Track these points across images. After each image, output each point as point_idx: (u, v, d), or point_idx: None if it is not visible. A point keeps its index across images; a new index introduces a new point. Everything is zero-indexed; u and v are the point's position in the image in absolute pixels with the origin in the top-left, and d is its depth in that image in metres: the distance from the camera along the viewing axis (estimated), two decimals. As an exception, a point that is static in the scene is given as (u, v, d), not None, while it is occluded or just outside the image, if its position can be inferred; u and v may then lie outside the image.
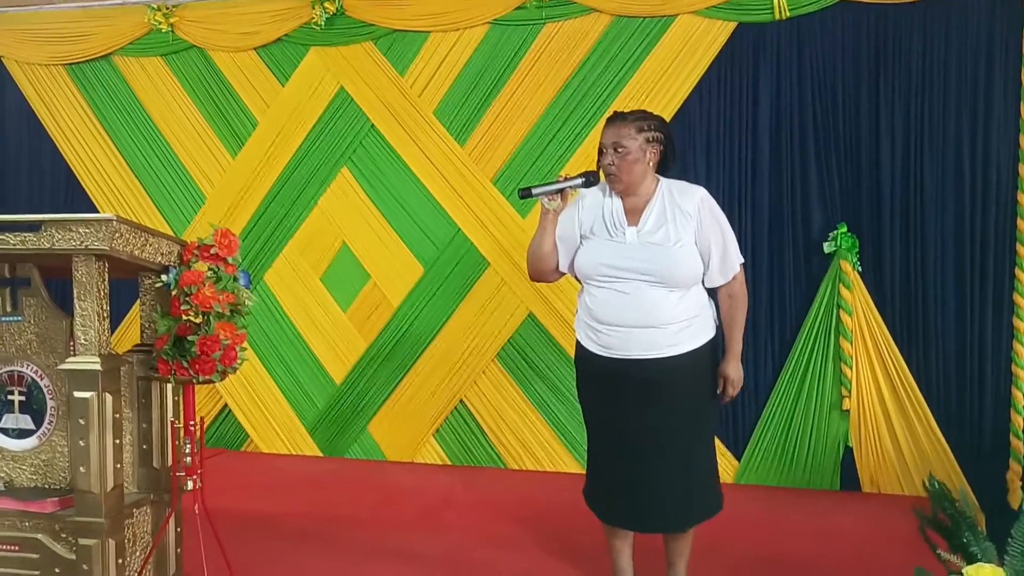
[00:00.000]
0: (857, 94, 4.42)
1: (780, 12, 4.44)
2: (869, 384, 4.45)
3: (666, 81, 4.65)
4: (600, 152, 2.94)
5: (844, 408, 4.47)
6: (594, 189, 3.01)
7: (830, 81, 4.46)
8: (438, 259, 5.09)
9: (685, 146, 4.61)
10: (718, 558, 3.53)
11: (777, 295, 4.61)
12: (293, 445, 5.34)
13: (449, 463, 5.11)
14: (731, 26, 4.56)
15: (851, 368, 4.44)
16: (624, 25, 4.72)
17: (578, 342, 3.06)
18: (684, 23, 4.62)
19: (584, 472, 3.22)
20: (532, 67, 4.87)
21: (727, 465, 4.65)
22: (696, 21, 4.60)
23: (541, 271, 3.10)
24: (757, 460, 4.64)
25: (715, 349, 3.01)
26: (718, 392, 2.98)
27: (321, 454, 5.30)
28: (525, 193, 2.99)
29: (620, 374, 2.89)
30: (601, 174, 2.95)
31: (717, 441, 4.59)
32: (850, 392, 4.46)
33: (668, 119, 4.46)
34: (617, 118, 2.94)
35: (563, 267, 3.09)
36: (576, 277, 3.07)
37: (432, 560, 3.58)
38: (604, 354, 2.93)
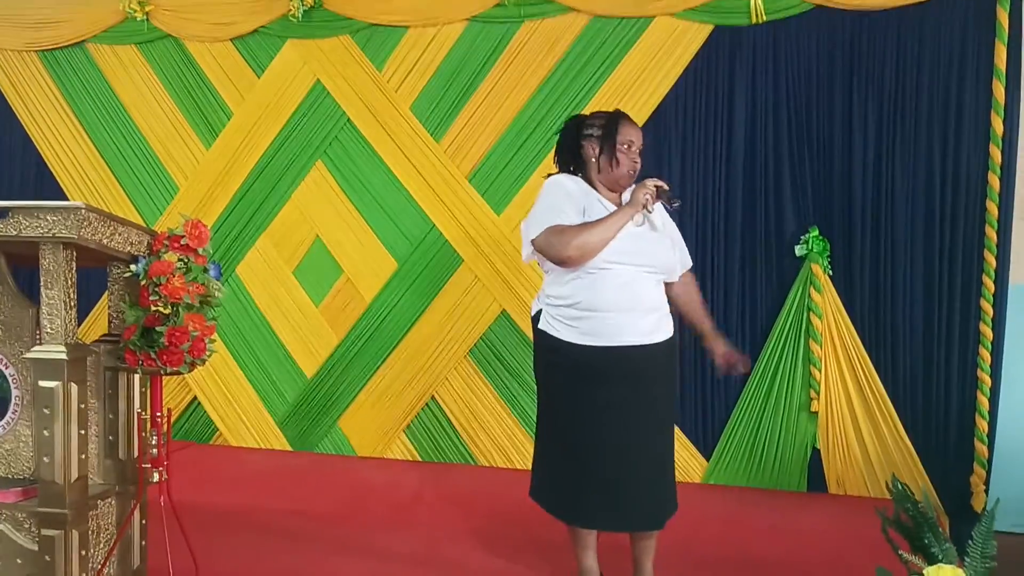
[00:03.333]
0: (831, 98, 4.46)
1: (757, 16, 4.46)
2: (837, 386, 4.49)
3: (643, 82, 4.67)
4: (614, 145, 2.92)
5: (812, 410, 4.51)
6: (567, 177, 3.02)
7: (805, 85, 4.49)
8: (412, 255, 5.08)
9: (660, 147, 4.63)
10: (685, 557, 3.54)
11: (748, 297, 4.64)
12: (263, 439, 5.32)
13: (419, 459, 5.10)
14: (708, 28, 4.58)
15: (820, 370, 4.48)
16: (602, 25, 4.73)
17: (546, 334, 2.99)
18: (661, 25, 4.64)
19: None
20: (509, 65, 4.87)
21: (695, 464, 4.68)
22: (673, 23, 4.62)
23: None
24: (726, 460, 4.66)
25: (676, 344, 3.08)
26: (733, 364, 3.09)
27: (291, 448, 5.28)
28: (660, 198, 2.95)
29: (611, 362, 2.87)
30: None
31: (686, 440, 4.66)
32: (818, 394, 4.49)
33: (644, 120, 4.53)
34: (629, 118, 2.99)
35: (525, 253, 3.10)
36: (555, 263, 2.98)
37: (401, 557, 3.58)
38: (588, 343, 2.88)
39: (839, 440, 4.50)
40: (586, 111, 4.62)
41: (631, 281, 2.87)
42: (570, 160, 3.06)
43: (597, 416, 2.91)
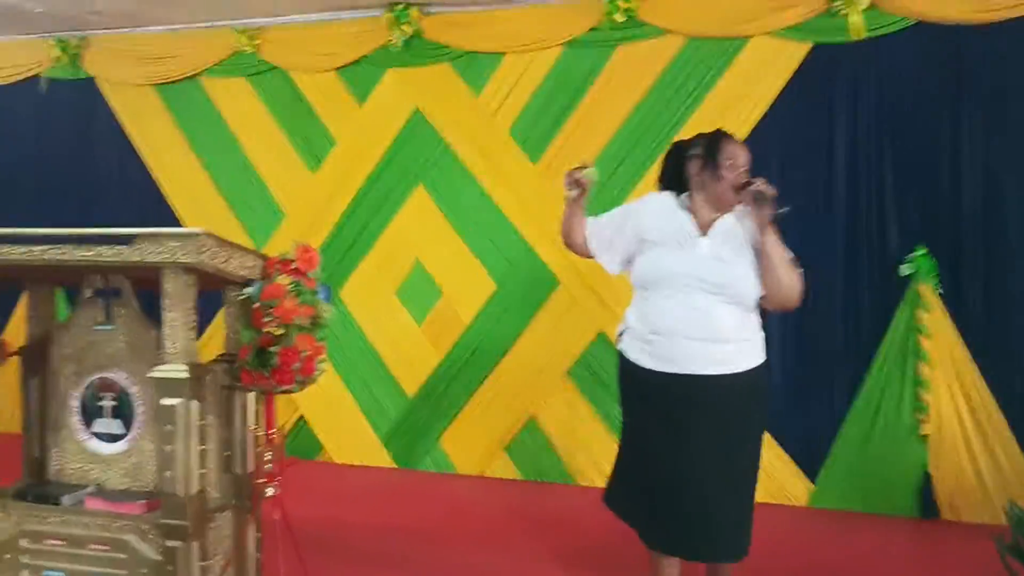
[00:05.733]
0: (935, 114, 4.37)
1: (857, 33, 4.40)
2: (949, 408, 4.36)
3: (740, 103, 4.65)
4: (717, 161, 2.87)
5: (922, 433, 4.39)
6: (662, 196, 3.01)
7: (907, 102, 4.41)
8: (510, 276, 5.15)
9: (758, 169, 4.56)
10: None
11: (853, 318, 4.56)
12: (367, 456, 5.44)
13: (520, 478, 5.14)
14: (806, 47, 4.54)
15: (929, 392, 4.35)
16: (697, 47, 4.74)
17: (624, 357, 2.99)
18: (758, 45, 4.62)
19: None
20: (605, 88, 4.92)
21: (800, 487, 4.60)
22: (770, 42, 4.60)
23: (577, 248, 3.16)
24: (832, 483, 4.57)
25: (766, 375, 2.97)
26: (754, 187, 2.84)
27: (394, 465, 5.38)
28: (751, 187, 2.83)
29: (677, 391, 2.83)
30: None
31: (791, 462, 4.58)
32: (928, 416, 4.37)
33: (741, 141, 4.48)
34: (732, 136, 2.95)
35: (612, 267, 3.07)
36: (634, 283, 3.00)
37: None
38: (659, 368, 2.86)
39: (952, 464, 4.36)
40: (682, 133, 4.66)
41: (702, 306, 2.81)
42: (673, 180, 3.03)
43: (658, 441, 2.88)
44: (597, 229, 3.07)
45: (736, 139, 2.97)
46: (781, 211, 2.84)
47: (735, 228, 2.92)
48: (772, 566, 3.63)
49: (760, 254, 2.85)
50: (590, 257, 3.12)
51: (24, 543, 2.97)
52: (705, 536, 2.86)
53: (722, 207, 2.91)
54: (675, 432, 2.85)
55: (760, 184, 2.80)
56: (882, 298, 4.50)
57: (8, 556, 2.98)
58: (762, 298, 2.89)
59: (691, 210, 2.94)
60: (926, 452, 4.41)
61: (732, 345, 2.84)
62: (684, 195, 2.99)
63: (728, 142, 2.92)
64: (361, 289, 5.46)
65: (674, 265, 2.86)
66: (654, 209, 2.98)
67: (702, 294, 2.81)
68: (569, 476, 5.03)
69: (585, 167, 2.93)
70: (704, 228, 2.90)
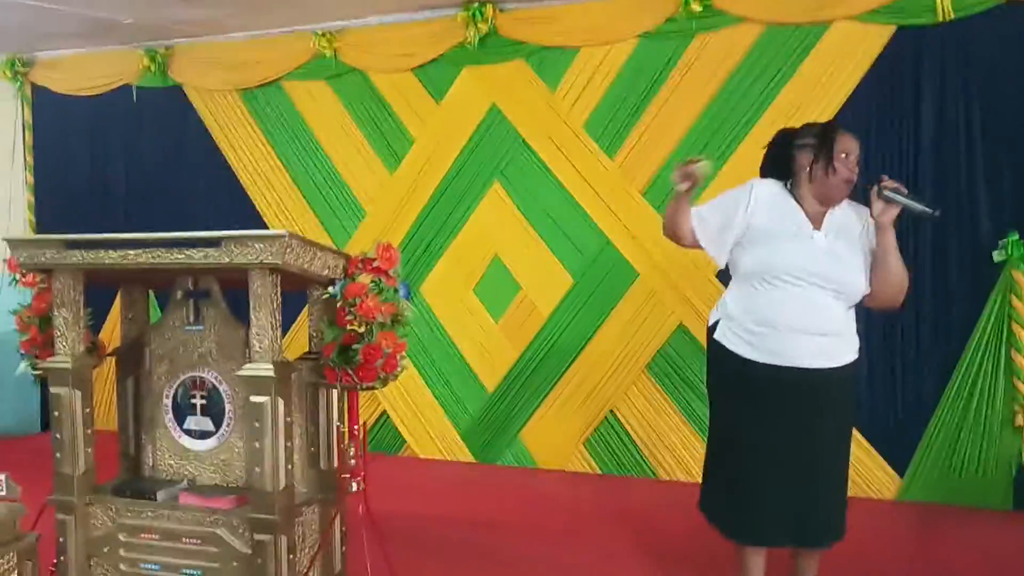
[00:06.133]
0: (1026, 95, 4.21)
1: (943, 14, 4.27)
2: (1047, 399, 4.22)
3: (821, 89, 4.57)
4: (831, 153, 2.80)
5: (1017, 424, 4.24)
6: (770, 184, 2.93)
7: (996, 83, 4.27)
8: (587, 270, 5.15)
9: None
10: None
11: (942, 306, 4.43)
12: (448, 451, 5.50)
13: (600, 472, 5.14)
14: (890, 30, 4.43)
15: (1025, 382, 4.22)
16: (777, 33, 4.66)
17: (720, 345, 2.93)
18: (840, 29, 4.52)
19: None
20: (682, 78, 4.87)
21: (888, 481, 4.50)
22: (852, 27, 4.49)
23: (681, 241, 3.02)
24: (921, 477, 4.46)
25: (858, 370, 2.95)
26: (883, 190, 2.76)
27: (475, 460, 5.43)
28: (886, 192, 2.76)
29: (782, 382, 2.80)
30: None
31: (878, 456, 4.49)
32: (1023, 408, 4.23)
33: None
34: (845, 128, 2.88)
35: (721, 260, 2.96)
36: (739, 273, 2.92)
37: (578, 571, 3.61)
38: (762, 360, 2.82)
39: (1049, 456, 4.21)
40: (761, 123, 4.59)
41: (812, 300, 2.77)
42: (779, 170, 2.95)
43: (762, 432, 2.85)
44: (703, 221, 2.94)
45: (849, 132, 2.88)
46: (934, 212, 2.77)
47: (848, 223, 2.87)
48: (861, 561, 3.56)
49: (876, 252, 2.82)
50: (695, 248, 3.00)
51: (122, 537, 3.09)
52: (809, 521, 2.86)
53: (830, 201, 2.85)
54: (776, 422, 2.83)
55: (891, 183, 2.75)
56: (974, 285, 4.38)
57: (107, 550, 3.11)
58: (867, 296, 2.85)
59: (798, 201, 2.88)
60: (1022, 443, 4.26)
61: (837, 339, 2.82)
62: (789, 184, 2.92)
63: (843, 135, 2.84)
64: (440, 286, 5.52)
65: (788, 258, 2.80)
66: (764, 198, 2.89)
67: (814, 288, 2.78)
68: (650, 470, 5.01)
69: (699, 160, 2.87)
70: (815, 221, 2.84)
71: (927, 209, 2.76)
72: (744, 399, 2.89)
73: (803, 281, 2.77)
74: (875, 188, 2.76)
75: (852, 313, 2.88)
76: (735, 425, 2.93)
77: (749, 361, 2.85)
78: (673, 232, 2.99)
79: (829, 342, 2.80)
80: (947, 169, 4.40)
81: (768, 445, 2.84)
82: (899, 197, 2.74)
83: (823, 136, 2.84)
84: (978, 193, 4.35)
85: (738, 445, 2.91)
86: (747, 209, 2.87)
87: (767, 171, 2.99)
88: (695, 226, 2.94)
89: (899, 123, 4.47)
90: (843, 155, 2.81)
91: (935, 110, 4.41)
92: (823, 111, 4.50)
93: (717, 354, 2.97)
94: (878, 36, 4.45)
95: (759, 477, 2.86)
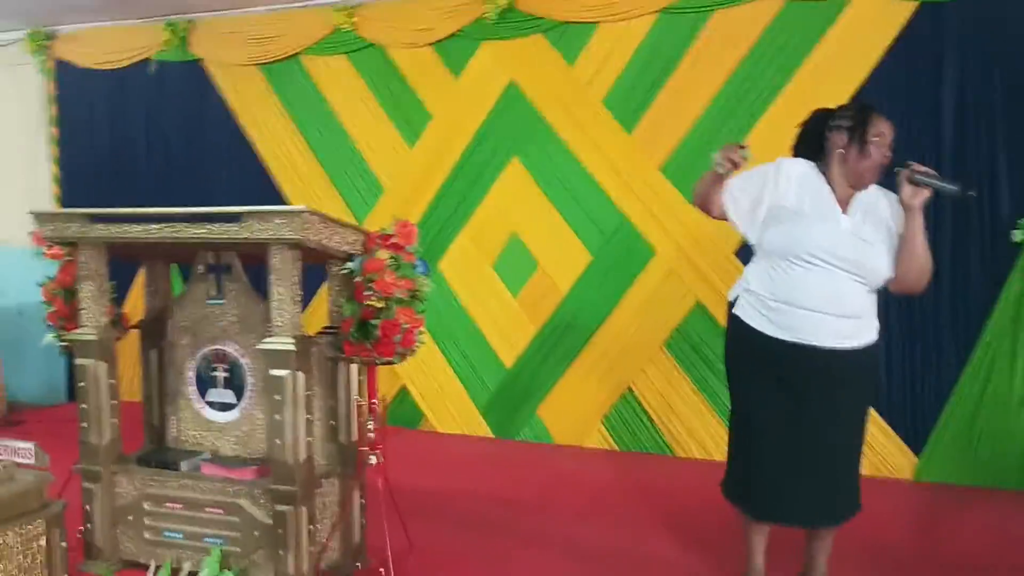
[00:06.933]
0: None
1: (966, -12, 4.23)
2: (1064, 380, 4.20)
3: (841, 65, 4.52)
4: (865, 134, 2.80)
5: (1035, 405, 4.25)
6: (801, 163, 2.92)
7: (1020, 61, 4.21)
8: (606, 247, 5.15)
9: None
10: (887, 556, 3.44)
11: (961, 287, 4.42)
12: (467, 426, 5.55)
13: (617, 449, 5.17)
14: (912, 6, 4.39)
15: (1043, 363, 4.21)
16: (797, 9, 4.62)
17: (740, 320, 2.94)
18: (860, 5, 4.48)
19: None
20: (701, 54, 4.85)
21: (904, 461, 4.51)
22: (873, 3, 4.45)
23: (710, 213, 3.03)
24: (938, 457, 4.46)
25: (879, 351, 2.97)
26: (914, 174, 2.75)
27: (493, 435, 5.48)
28: (916, 175, 2.75)
29: (800, 360, 2.81)
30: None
31: (894, 435, 4.50)
32: (1042, 388, 4.23)
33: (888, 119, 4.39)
34: (880, 112, 2.86)
35: (752, 236, 2.94)
36: (764, 249, 2.91)
37: (596, 548, 3.64)
38: (780, 336, 2.83)
39: (1066, 437, 4.21)
40: (781, 97, 4.57)
41: (834, 282, 2.78)
42: (812, 150, 2.94)
43: (775, 407, 2.87)
44: (736, 201, 2.94)
45: (883, 115, 2.86)
46: (967, 192, 2.75)
47: (875, 206, 2.86)
48: (875, 540, 3.59)
49: (903, 236, 2.81)
50: (722, 219, 3.01)
51: (146, 506, 3.16)
52: (821, 501, 2.89)
53: (861, 183, 2.85)
54: (791, 398, 2.85)
55: (920, 167, 2.75)
56: (993, 265, 4.35)
57: (131, 518, 3.18)
58: (890, 280, 2.85)
59: (829, 182, 2.87)
60: (1039, 425, 4.26)
61: (857, 321, 2.82)
62: (820, 164, 2.91)
63: (878, 118, 2.83)
64: (458, 262, 5.54)
65: (815, 239, 2.79)
66: (795, 177, 2.89)
67: (837, 270, 2.78)
68: (666, 447, 5.03)
69: (743, 147, 2.86)
70: (842, 203, 2.85)
71: (957, 189, 2.74)
72: (760, 374, 2.91)
73: (826, 263, 2.77)
74: (905, 172, 2.75)
75: (874, 296, 2.88)
76: (750, 401, 2.95)
77: (766, 336, 2.87)
78: (703, 206, 3.01)
79: (849, 324, 2.80)
80: (967, 148, 4.36)
81: (781, 421, 2.86)
82: (929, 180, 2.73)
83: (858, 118, 2.83)
84: (999, 173, 4.32)
85: (754, 421, 2.93)
86: (776, 186, 2.87)
87: (799, 150, 2.98)
88: (728, 205, 2.95)
89: (921, 101, 4.43)
90: (876, 138, 2.81)
91: (955, 90, 4.37)
92: (843, 87, 4.47)
93: (735, 328, 2.98)
94: (900, 11, 4.40)
95: (773, 454, 2.89)
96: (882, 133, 2.82)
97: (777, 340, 2.84)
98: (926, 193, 2.74)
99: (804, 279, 2.79)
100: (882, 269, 2.81)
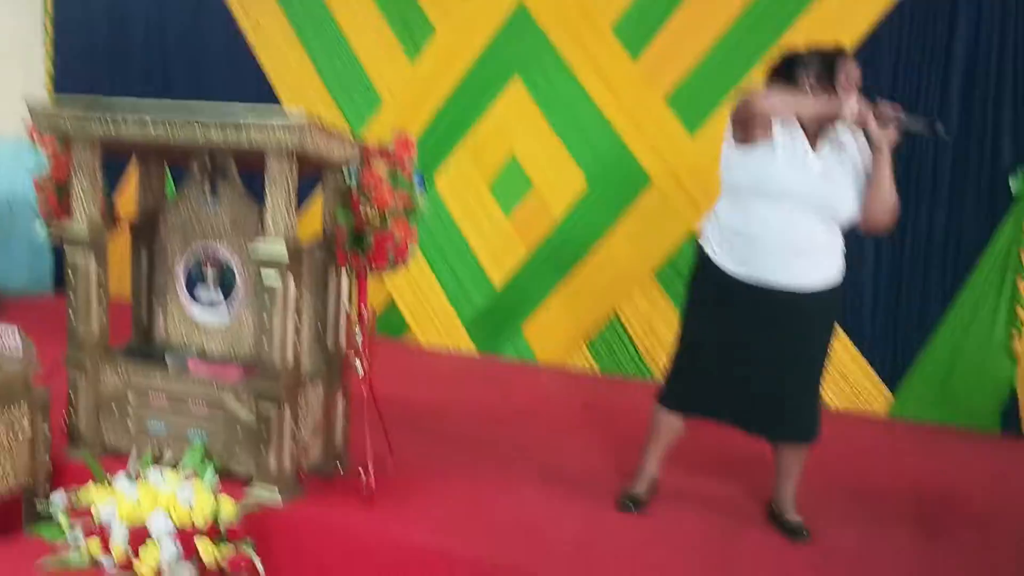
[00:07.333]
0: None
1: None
2: (1043, 329, 4.28)
3: (857, 2, 4.45)
4: (834, 80, 2.83)
5: (1013, 350, 4.32)
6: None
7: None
8: (602, 173, 5.14)
9: (871, 70, 4.44)
10: (851, 488, 3.54)
11: (954, 230, 4.45)
12: (450, 339, 5.60)
13: (599, 371, 5.24)
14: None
15: (1025, 310, 4.28)
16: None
17: (702, 250, 3.02)
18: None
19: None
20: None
21: (878, 396, 4.60)
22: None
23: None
24: (913, 396, 4.56)
25: (841, 295, 2.98)
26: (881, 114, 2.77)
27: (476, 350, 5.54)
28: (881, 115, 2.75)
29: (751, 294, 2.88)
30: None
31: (870, 371, 4.57)
32: (1021, 335, 4.29)
33: (854, 43, 4.37)
34: (850, 55, 2.89)
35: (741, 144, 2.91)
36: (731, 181, 2.94)
37: (571, 467, 3.70)
38: (736, 270, 2.90)
39: (1040, 385, 4.29)
40: (794, 33, 4.51)
41: (797, 220, 2.81)
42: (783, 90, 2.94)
43: (719, 331, 2.96)
44: (777, 110, 2.85)
45: (853, 59, 2.89)
46: (936, 126, 2.76)
47: (845, 146, 2.89)
48: (847, 473, 3.68)
49: (871, 176, 2.85)
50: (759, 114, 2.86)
51: (131, 397, 3.21)
52: (755, 413, 2.99)
53: (830, 123, 2.87)
54: (741, 328, 2.93)
55: (889, 107, 2.77)
56: (988, 210, 4.38)
57: (115, 407, 3.23)
58: (856, 219, 2.90)
59: (800, 120, 2.89)
60: (1015, 370, 4.35)
61: (813, 259, 2.87)
62: None
63: (846, 60, 2.87)
64: (454, 179, 5.52)
65: (782, 176, 2.82)
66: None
67: (801, 209, 2.81)
68: (648, 372, 5.10)
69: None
70: (812, 141, 2.87)
71: (925, 126, 2.77)
72: (711, 304, 3.01)
73: (790, 200, 2.81)
74: (873, 112, 2.77)
75: (839, 237, 2.92)
76: (697, 326, 3.06)
77: (723, 269, 2.94)
78: (766, 111, 2.84)
79: (804, 263, 2.85)
80: (974, 94, 4.34)
81: (721, 342, 2.96)
82: (896, 119, 2.76)
83: (826, 61, 2.87)
84: (1002, 122, 4.31)
85: (695, 340, 3.06)
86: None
87: (770, 87, 2.99)
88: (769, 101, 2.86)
89: (933, 44, 4.39)
90: (845, 81, 2.84)
91: (969, 35, 4.32)
92: (858, 26, 4.43)
93: (699, 259, 3.06)
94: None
95: (702, 361, 3.01)
96: (849, 75, 2.84)
97: (730, 272, 2.92)
98: (893, 133, 2.77)
99: (765, 215, 2.84)
100: (846, 207, 2.86)
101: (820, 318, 2.96)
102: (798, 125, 2.87)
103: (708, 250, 3.00)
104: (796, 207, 2.81)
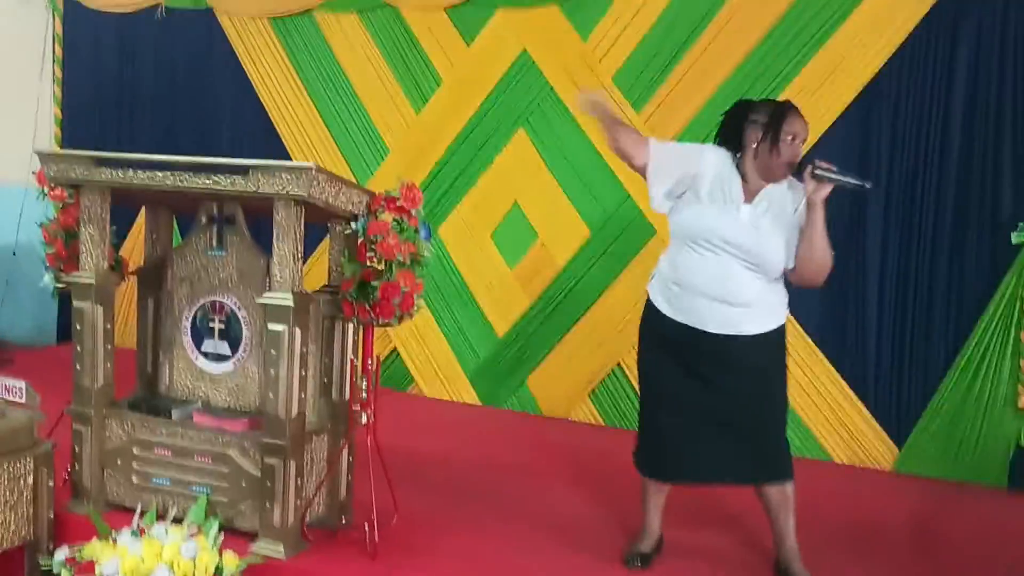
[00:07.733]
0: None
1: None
2: (1051, 382, 4.25)
3: (855, 56, 4.50)
4: (778, 134, 2.88)
5: (1020, 405, 4.28)
6: (721, 153, 3.02)
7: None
8: (606, 224, 5.15)
9: (870, 123, 4.49)
10: (866, 545, 3.50)
11: (956, 281, 4.43)
12: (454, 392, 5.57)
13: (603, 423, 5.21)
14: (929, 1, 4.36)
15: (1030, 365, 4.25)
16: (817, -7, 4.59)
17: (649, 300, 3.11)
18: (879, -5, 4.46)
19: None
20: (717, 35, 4.80)
21: (886, 451, 4.55)
22: (891, -5, 4.43)
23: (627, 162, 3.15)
24: (919, 450, 4.51)
25: (781, 337, 3.04)
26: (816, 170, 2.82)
27: (480, 403, 5.51)
28: (818, 171, 2.82)
29: (694, 343, 2.95)
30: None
31: (877, 426, 4.53)
32: (1027, 389, 4.27)
33: (855, 95, 4.41)
34: (798, 111, 2.95)
35: (658, 203, 3.08)
36: (672, 231, 3.07)
37: (575, 517, 3.68)
38: (676, 318, 2.99)
39: (1047, 439, 4.26)
40: (795, 85, 4.56)
41: (726, 269, 2.90)
42: (730, 142, 3.03)
43: (676, 383, 3.01)
44: (660, 159, 3.05)
45: (800, 114, 2.94)
46: (864, 184, 2.86)
47: (782, 199, 2.96)
48: (850, 527, 3.65)
49: (804, 230, 2.89)
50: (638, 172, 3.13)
51: (135, 451, 3.19)
52: (724, 461, 3.01)
53: (771, 178, 2.95)
54: (690, 376, 3.00)
55: (824, 165, 2.83)
56: (991, 265, 4.37)
57: (120, 462, 3.21)
58: (790, 271, 2.96)
59: (742, 173, 2.97)
60: (1022, 425, 4.30)
61: (746, 309, 2.93)
62: (738, 156, 3.00)
63: (793, 116, 2.93)
64: (458, 229, 5.53)
65: (713, 225, 2.92)
66: (712, 164, 3.00)
67: (731, 258, 2.90)
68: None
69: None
70: (750, 195, 2.95)
71: (859, 183, 2.85)
72: (657, 351, 3.09)
73: (720, 249, 2.90)
74: (808, 168, 2.84)
75: (773, 286, 2.98)
76: (648, 374, 3.14)
77: (665, 317, 3.03)
78: (622, 152, 3.13)
79: (737, 312, 2.92)
80: (973, 146, 4.35)
81: (672, 394, 3.02)
82: (830, 175, 2.81)
83: (773, 116, 2.92)
84: (1003, 173, 4.32)
85: (650, 393, 3.13)
86: (696, 168, 2.99)
87: (722, 139, 3.08)
88: (651, 158, 3.04)
89: (931, 96, 4.40)
90: (789, 138, 2.90)
91: (968, 85, 4.34)
92: (856, 78, 4.48)
93: (646, 309, 3.14)
94: (918, 4, 4.35)
95: (663, 419, 3.05)
96: (795, 132, 2.91)
97: (671, 321, 3.01)
98: (827, 188, 2.81)
99: (700, 264, 2.93)
100: (776, 260, 2.92)
101: (764, 358, 3.01)
102: (738, 175, 2.96)
103: (652, 298, 3.10)
104: (725, 256, 2.90)
